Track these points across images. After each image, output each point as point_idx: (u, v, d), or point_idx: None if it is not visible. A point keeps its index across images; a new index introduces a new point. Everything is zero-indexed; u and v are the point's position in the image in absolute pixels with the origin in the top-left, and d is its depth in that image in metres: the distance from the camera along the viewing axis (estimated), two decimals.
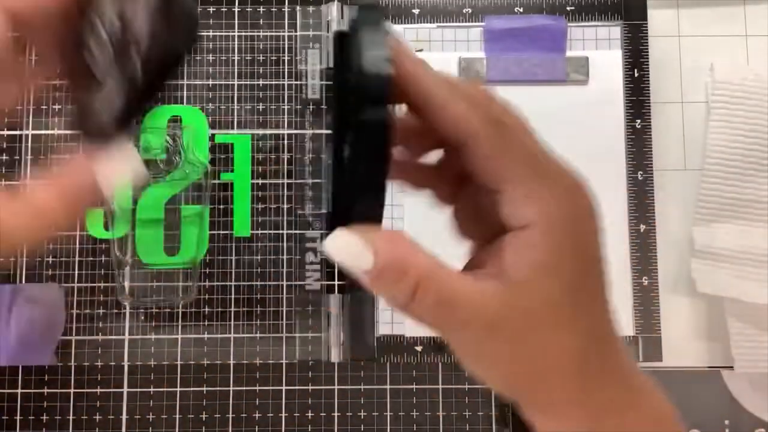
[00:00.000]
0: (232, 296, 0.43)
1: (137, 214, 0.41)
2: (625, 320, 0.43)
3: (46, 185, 0.28)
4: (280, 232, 0.44)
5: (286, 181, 0.44)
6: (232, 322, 0.43)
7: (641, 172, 0.44)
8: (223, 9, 0.45)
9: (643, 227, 0.43)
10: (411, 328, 0.43)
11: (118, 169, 0.28)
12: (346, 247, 0.22)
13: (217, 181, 0.44)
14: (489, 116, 0.23)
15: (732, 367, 0.43)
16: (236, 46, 0.45)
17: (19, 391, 0.43)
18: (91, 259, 0.43)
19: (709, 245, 0.43)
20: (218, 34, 0.45)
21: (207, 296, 0.43)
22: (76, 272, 0.43)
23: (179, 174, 0.43)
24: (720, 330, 0.43)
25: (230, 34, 0.45)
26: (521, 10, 0.44)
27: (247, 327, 0.43)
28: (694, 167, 0.44)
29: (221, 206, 0.44)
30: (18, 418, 0.43)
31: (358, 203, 0.22)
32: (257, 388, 0.43)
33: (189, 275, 0.43)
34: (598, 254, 0.24)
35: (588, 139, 0.44)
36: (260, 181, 0.44)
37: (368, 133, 0.21)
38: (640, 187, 0.43)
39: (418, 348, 0.43)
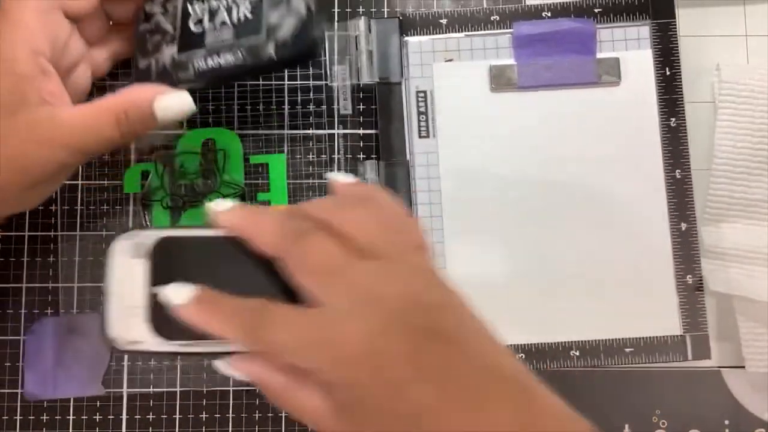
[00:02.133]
0: None
1: None
2: (670, 319, 0.43)
3: (111, 96, 0.35)
4: None
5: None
6: None
7: (679, 171, 0.44)
8: None
9: (684, 225, 0.43)
10: None
11: (173, 100, 0.36)
12: (225, 368, 0.32)
13: (253, 202, 0.44)
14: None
15: (743, 366, 0.43)
16: None
17: (18, 391, 0.43)
18: None
19: (717, 245, 0.44)
20: None
21: None
22: None
23: (216, 197, 0.43)
24: (732, 330, 0.44)
25: None
26: (549, 14, 0.44)
27: None
28: (701, 167, 0.44)
29: None
30: (18, 418, 0.43)
31: None
32: (257, 388, 0.43)
33: None
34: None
35: (623, 140, 0.44)
36: (297, 200, 0.44)
37: None
38: (679, 186, 0.43)
39: None
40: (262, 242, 0.31)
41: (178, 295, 0.30)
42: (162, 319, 0.31)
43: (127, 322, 0.32)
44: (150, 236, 0.32)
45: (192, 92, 0.37)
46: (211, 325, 0.30)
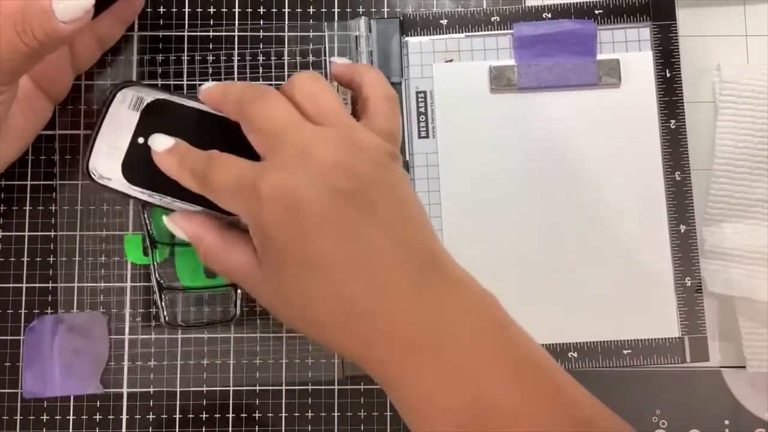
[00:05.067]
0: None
1: (176, 238, 0.41)
2: (669, 321, 0.43)
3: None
4: None
5: None
6: (233, 326, 0.43)
7: (678, 173, 0.44)
8: (248, 29, 0.45)
9: (683, 227, 0.43)
10: None
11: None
12: (172, 222, 0.38)
13: None
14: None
15: (744, 366, 0.43)
16: (262, 62, 0.45)
17: (19, 391, 0.43)
18: (131, 284, 0.43)
19: (718, 245, 0.44)
20: (245, 51, 0.45)
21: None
22: (114, 299, 0.43)
23: None
24: (731, 330, 0.44)
25: (257, 49, 0.45)
26: (549, 15, 0.44)
27: (248, 325, 0.43)
28: (702, 167, 0.45)
29: None
30: (18, 418, 0.43)
31: None
32: (257, 388, 0.43)
33: (230, 297, 0.43)
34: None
35: (623, 141, 0.44)
36: None
37: None
38: (678, 188, 0.43)
39: None
40: (225, 109, 0.36)
41: (159, 143, 0.37)
42: (134, 165, 0.39)
43: (106, 160, 0.39)
44: (149, 94, 0.40)
45: None
46: (172, 170, 0.36)
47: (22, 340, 0.43)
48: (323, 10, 0.46)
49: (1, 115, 0.36)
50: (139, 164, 0.39)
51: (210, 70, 0.45)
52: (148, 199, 0.39)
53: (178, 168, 0.36)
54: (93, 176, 0.39)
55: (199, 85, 0.39)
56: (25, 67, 0.34)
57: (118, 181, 0.39)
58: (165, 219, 0.37)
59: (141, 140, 0.39)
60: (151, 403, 0.43)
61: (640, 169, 0.44)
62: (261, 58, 0.45)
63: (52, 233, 0.44)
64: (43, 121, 0.41)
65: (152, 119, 0.39)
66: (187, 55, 0.45)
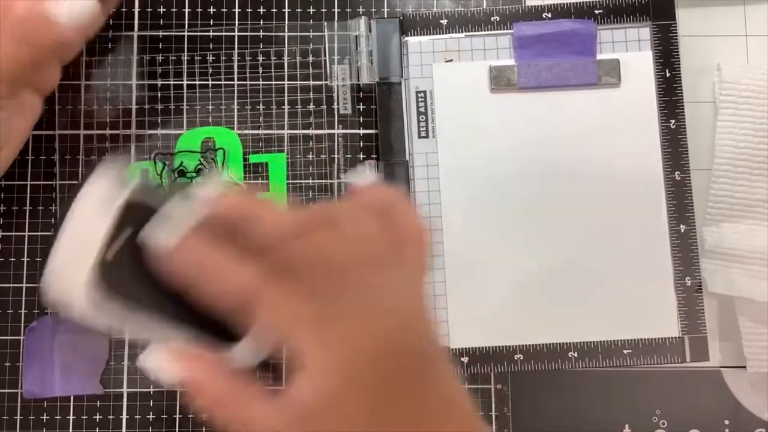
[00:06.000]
0: None
1: None
2: (669, 321, 0.43)
3: None
4: None
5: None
6: None
7: (678, 173, 0.44)
8: (248, 29, 0.45)
9: (683, 227, 0.43)
10: None
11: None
12: (157, 362, 0.26)
13: None
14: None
15: (744, 366, 0.43)
16: (262, 62, 0.45)
17: (18, 391, 0.43)
18: None
19: (719, 245, 0.44)
20: (245, 51, 0.45)
21: None
22: None
23: None
24: (731, 330, 0.44)
25: (257, 49, 0.45)
26: (549, 15, 0.44)
27: None
28: (702, 167, 0.45)
29: None
30: (18, 418, 0.43)
31: None
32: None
33: None
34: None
35: (623, 141, 0.44)
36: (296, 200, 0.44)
37: None
38: (678, 188, 0.43)
39: None
40: (225, 289, 0.26)
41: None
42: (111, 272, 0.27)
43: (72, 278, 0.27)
44: (121, 194, 0.28)
45: None
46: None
47: (22, 340, 0.43)
48: (323, 10, 0.46)
49: (4, 127, 0.34)
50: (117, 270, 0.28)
51: (210, 70, 0.45)
52: (117, 323, 0.28)
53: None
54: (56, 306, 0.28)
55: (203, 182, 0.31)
56: (30, 77, 0.32)
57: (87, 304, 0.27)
58: (142, 358, 0.27)
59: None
60: (151, 403, 0.43)
61: (640, 169, 0.44)
62: (261, 58, 0.45)
63: (52, 233, 0.44)
64: (35, 117, 0.38)
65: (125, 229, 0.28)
66: (187, 55, 0.45)
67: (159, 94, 0.45)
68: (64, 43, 0.30)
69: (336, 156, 0.45)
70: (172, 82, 0.45)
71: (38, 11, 0.29)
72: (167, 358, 0.26)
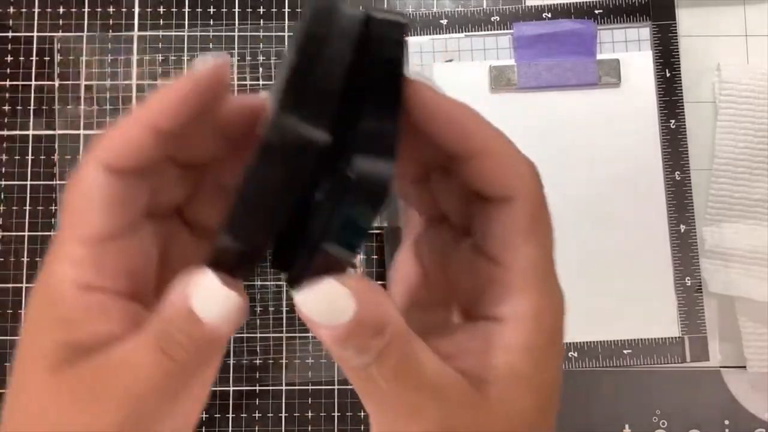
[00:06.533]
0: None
1: None
2: (669, 321, 0.43)
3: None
4: None
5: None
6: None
7: (678, 172, 0.44)
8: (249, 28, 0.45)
9: (683, 227, 0.43)
10: None
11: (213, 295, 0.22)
12: (326, 297, 0.19)
13: None
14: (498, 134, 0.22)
15: (744, 366, 0.43)
16: (262, 62, 0.45)
17: None
18: None
19: (719, 245, 0.44)
20: (245, 51, 0.45)
21: None
22: None
23: None
24: (731, 330, 0.44)
25: (257, 49, 0.45)
26: (549, 15, 0.44)
27: (248, 325, 0.43)
28: (702, 167, 0.45)
29: None
30: None
31: (326, 254, 0.18)
32: (257, 388, 0.43)
33: None
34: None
35: (623, 141, 0.44)
36: None
37: (365, 192, 0.17)
38: (678, 188, 0.43)
39: None
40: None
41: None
42: None
43: None
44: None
45: None
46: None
47: None
48: None
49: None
50: None
51: None
52: None
53: None
54: None
55: None
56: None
57: None
58: (316, 295, 0.19)
59: None
60: None
61: (640, 169, 0.44)
62: (261, 58, 0.45)
63: (52, 233, 0.44)
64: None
65: None
66: (187, 55, 0.45)
67: None
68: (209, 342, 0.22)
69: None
70: None
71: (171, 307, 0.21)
72: (341, 289, 0.19)
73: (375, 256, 0.44)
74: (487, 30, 0.45)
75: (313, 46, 0.18)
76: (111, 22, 0.45)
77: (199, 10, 0.45)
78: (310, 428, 0.43)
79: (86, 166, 0.21)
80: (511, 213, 0.22)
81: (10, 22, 0.45)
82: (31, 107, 0.45)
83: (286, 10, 0.46)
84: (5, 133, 0.45)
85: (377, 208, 0.18)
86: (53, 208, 0.44)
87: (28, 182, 0.44)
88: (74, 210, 0.22)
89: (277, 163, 0.17)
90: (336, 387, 0.43)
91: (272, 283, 0.44)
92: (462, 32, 0.45)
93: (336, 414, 0.43)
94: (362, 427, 0.43)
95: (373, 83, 0.18)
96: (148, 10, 0.45)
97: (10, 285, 0.43)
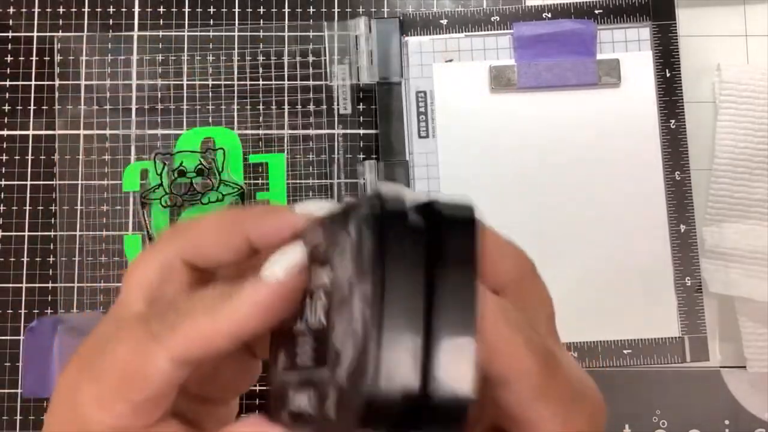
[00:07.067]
0: None
1: None
2: (669, 321, 0.43)
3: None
4: None
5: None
6: None
7: (678, 172, 0.44)
8: (249, 29, 0.45)
9: (683, 227, 0.43)
10: None
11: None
12: None
13: (253, 201, 0.44)
14: (539, 347, 0.20)
15: (744, 366, 0.43)
16: (262, 62, 0.45)
17: (18, 391, 0.43)
18: None
19: (719, 245, 0.44)
20: (245, 50, 0.45)
21: None
22: (114, 299, 0.43)
23: (215, 196, 0.43)
24: (731, 330, 0.44)
25: (257, 49, 0.45)
26: (549, 15, 0.44)
27: None
28: (702, 167, 0.45)
29: None
30: (18, 418, 0.43)
31: None
32: (257, 388, 0.43)
33: None
34: None
35: (623, 141, 0.44)
36: (296, 200, 0.44)
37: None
38: (678, 188, 0.43)
39: None
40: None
41: None
42: None
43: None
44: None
45: None
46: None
47: (22, 340, 0.43)
48: (323, 10, 0.46)
49: None
50: None
51: (210, 70, 0.45)
52: None
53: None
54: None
55: None
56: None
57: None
58: None
59: None
60: None
61: (640, 169, 0.44)
62: (261, 58, 0.45)
63: (52, 233, 0.44)
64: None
65: None
66: (187, 55, 0.45)
67: (159, 94, 0.45)
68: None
69: (336, 156, 0.45)
70: (172, 82, 0.45)
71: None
72: None
73: None
74: (487, 30, 0.45)
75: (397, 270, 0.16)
76: (111, 22, 0.45)
77: (199, 10, 0.45)
78: None
79: (157, 348, 0.20)
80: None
81: (10, 22, 0.45)
82: (31, 107, 0.45)
83: (286, 10, 0.46)
84: (5, 133, 0.45)
85: None
86: (53, 208, 0.44)
87: (28, 182, 0.44)
88: (127, 366, 0.20)
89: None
90: None
91: None
92: (462, 32, 0.45)
93: None
94: None
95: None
96: (148, 10, 0.45)
97: (10, 285, 0.43)
